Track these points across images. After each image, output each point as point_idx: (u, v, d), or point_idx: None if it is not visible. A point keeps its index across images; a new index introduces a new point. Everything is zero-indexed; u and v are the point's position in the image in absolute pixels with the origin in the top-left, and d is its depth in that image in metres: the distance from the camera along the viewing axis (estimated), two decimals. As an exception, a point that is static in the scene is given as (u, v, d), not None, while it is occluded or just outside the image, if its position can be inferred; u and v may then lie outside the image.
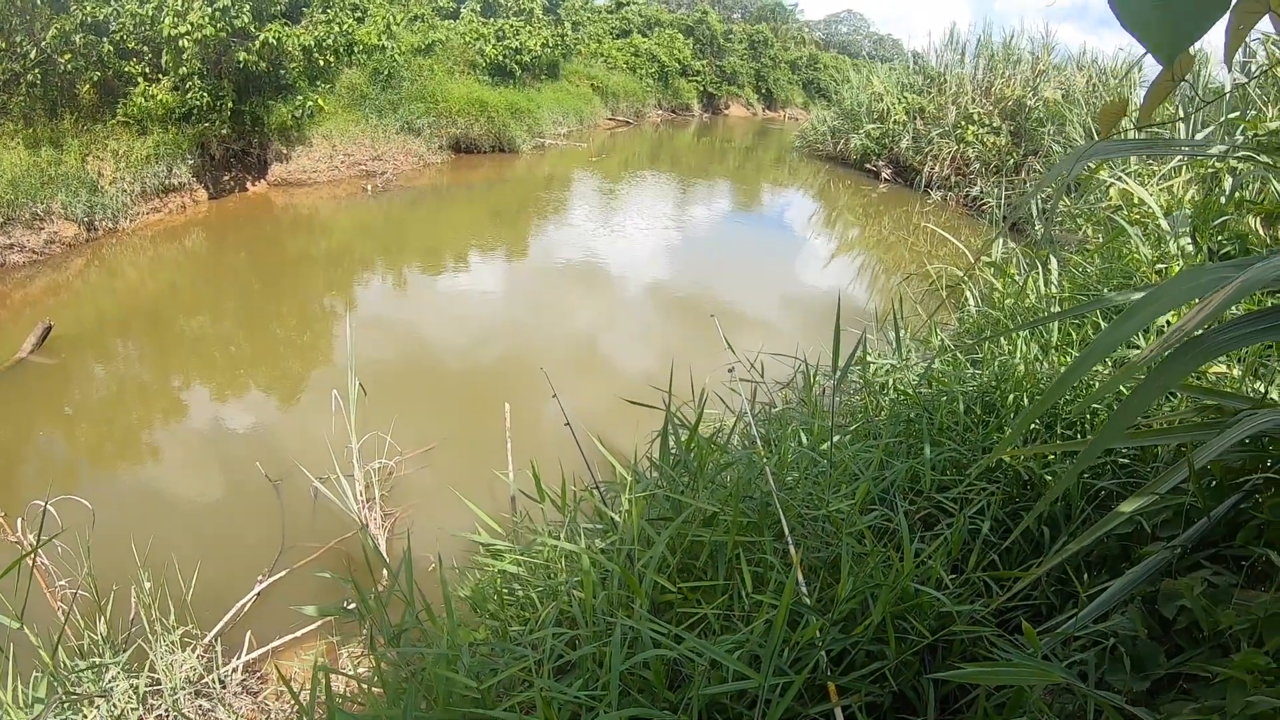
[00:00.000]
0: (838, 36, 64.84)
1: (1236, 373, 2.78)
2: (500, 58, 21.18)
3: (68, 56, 11.27)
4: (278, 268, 10.39)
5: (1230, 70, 6.90)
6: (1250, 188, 4.66)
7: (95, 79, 11.89)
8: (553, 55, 24.01)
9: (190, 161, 12.64)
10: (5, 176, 9.61)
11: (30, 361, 6.56)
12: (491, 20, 22.57)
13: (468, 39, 21.48)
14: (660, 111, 34.31)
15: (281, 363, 7.26)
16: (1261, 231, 4.03)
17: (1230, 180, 4.77)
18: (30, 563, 2.76)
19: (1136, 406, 1.25)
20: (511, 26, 21.94)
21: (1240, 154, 3.76)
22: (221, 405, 6.29)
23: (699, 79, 37.53)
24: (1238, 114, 6.20)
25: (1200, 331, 1.26)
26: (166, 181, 12.02)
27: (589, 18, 34.34)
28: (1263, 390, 2.57)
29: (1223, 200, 4.41)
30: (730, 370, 3.26)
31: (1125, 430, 1.93)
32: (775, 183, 21.53)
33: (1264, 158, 3.92)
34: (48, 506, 2.80)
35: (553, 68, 24.85)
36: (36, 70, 11.07)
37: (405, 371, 6.97)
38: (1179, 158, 5.77)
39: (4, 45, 10.90)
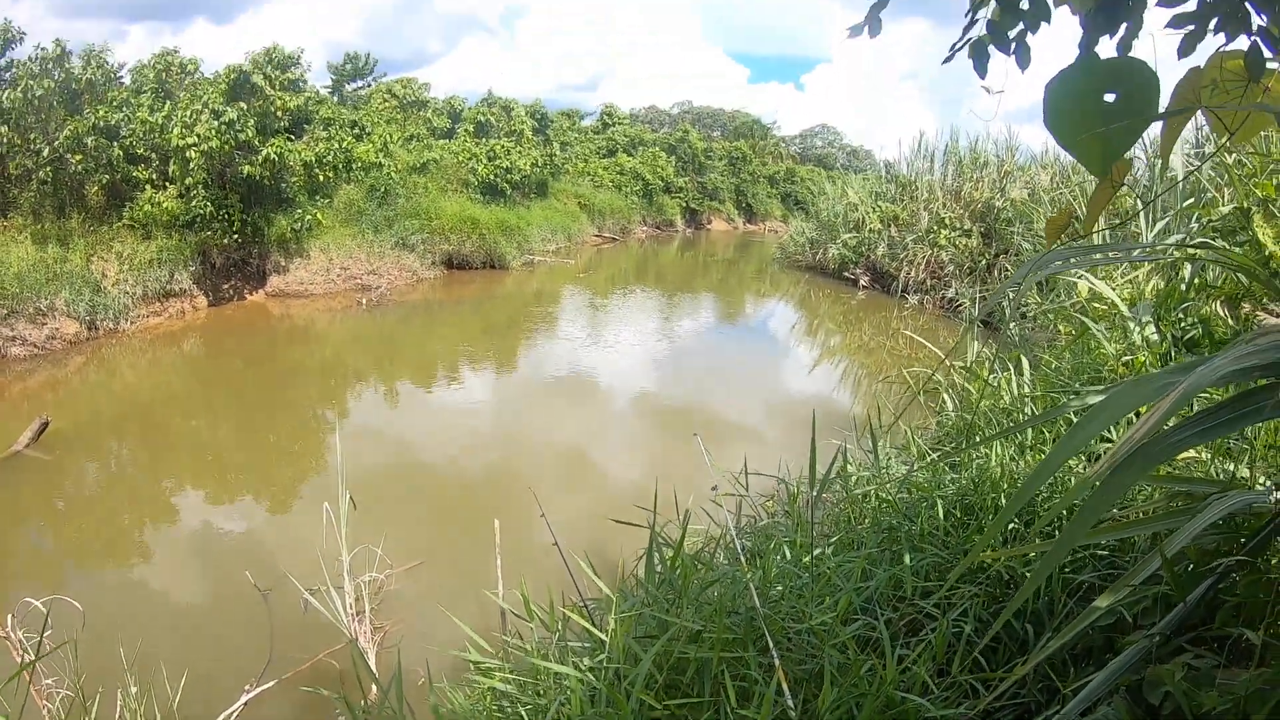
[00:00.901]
0: (813, 150, 67.67)
1: (1205, 456, 2.83)
2: (492, 176, 22.14)
3: (79, 157, 11.73)
4: (272, 377, 10.49)
5: (1167, 168, 7.05)
6: (1211, 272, 4.68)
7: (104, 181, 12.35)
8: (542, 174, 25.13)
9: (192, 268, 12.96)
10: (11, 270, 9.82)
11: (25, 455, 6.58)
12: (484, 140, 23.70)
13: (461, 158, 22.51)
14: (645, 227, 35.41)
15: (274, 471, 7.26)
16: (1224, 314, 4.13)
17: (1189, 268, 4.78)
18: (22, 664, 2.72)
19: (1093, 512, 1.34)
20: (503, 146, 23.05)
21: (1197, 241, 3.91)
22: (213, 511, 6.26)
23: (682, 195, 38.97)
24: (1192, 200, 6.39)
25: (1152, 438, 1.34)
26: (168, 286, 12.31)
27: (576, 138, 36.13)
28: (1231, 470, 2.63)
29: (1183, 288, 4.53)
30: (714, 489, 3.33)
31: (1089, 531, 2.01)
32: (757, 294, 22.12)
33: (1220, 243, 4.04)
34: (48, 611, 2.79)
35: (542, 186, 25.94)
36: (48, 168, 11.50)
37: (397, 484, 6.96)
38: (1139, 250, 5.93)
39: (19, 141, 11.35)
